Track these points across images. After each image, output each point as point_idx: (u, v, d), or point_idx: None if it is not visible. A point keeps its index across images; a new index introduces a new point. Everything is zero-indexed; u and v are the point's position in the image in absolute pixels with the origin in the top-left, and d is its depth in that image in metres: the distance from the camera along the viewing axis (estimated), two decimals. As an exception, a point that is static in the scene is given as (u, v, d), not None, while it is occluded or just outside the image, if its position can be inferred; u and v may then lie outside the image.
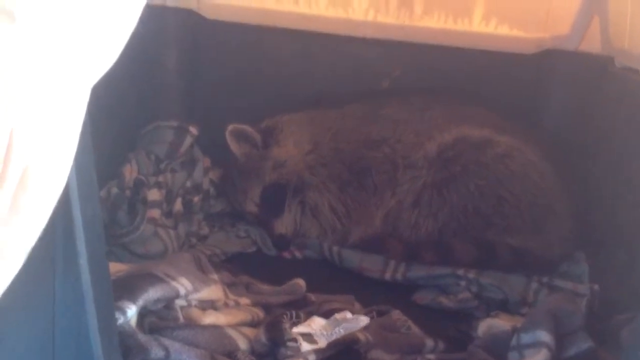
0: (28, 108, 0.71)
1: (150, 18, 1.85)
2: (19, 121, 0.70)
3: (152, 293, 1.16)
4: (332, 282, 1.67)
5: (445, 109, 1.90)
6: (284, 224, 1.87)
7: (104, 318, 0.93)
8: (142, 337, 1.09)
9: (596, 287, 1.64)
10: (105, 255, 0.98)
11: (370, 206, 1.87)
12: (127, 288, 1.16)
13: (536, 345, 1.22)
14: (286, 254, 1.86)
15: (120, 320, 1.09)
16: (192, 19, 2.04)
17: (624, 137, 1.69)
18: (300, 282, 1.50)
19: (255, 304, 1.38)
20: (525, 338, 1.25)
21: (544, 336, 1.22)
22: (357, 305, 1.50)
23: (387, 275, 1.73)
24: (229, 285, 1.41)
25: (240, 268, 1.61)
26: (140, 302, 1.13)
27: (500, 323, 1.37)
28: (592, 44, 1.95)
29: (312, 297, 1.49)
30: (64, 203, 0.86)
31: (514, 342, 1.26)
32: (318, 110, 1.97)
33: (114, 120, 1.76)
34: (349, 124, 1.93)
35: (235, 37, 2.05)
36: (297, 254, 1.87)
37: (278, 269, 1.73)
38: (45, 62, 0.70)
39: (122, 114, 1.82)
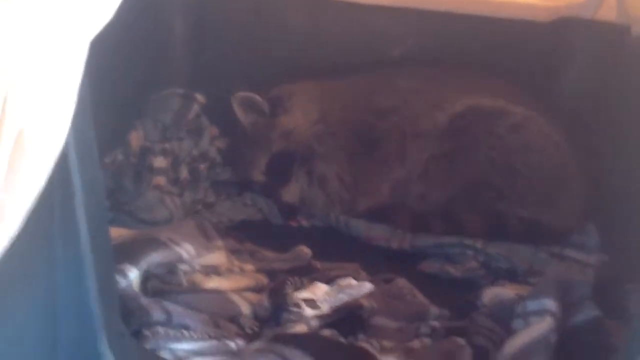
0: (22, 66, 0.70)
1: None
2: (13, 81, 0.69)
3: (155, 257, 1.17)
4: (339, 251, 1.67)
5: (457, 78, 1.87)
6: (290, 193, 1.86)
7: (104, 282, 0.93)
8: (144, 300, 1.10)
9: (606, 257, 1.63)
10: (105, 218, 0.98)
11: (378, 176, 1.86)
12: (129, 252, 1.16)
13: (541, 312, 1.22)
14: (293, 223, 1.85)
15: (122, 283, 1.10)
16: (197, -15, 2.02)
17: (636, 109, 1.66)
18: (305, 249, 1.50)
19: (259, 270, 1.39)
20: (531, 305, 1.24)
21: (549, 304, 1.22)
22: (363, 273, 1.50)
23: (394, 244, 1.72)
24: (234, 252, 1.41)
25: (245, 236, 1.61)
26: (143, 265, 1.14)
27: (505, 291, 1.37)
28: (608, 13, 1.90)
29: (317, 264, 1.49)
30: (62, 166, 0.85)
31: (519, 309, 1.26)
32: (327, 79, 1.95)
33: (121, 87, 1.75)
34: (358, 93, 1.91)
35: (243, 3, 2.02)
36: (304, 223, 1.86)
37: (284, 237, 1.73)
38: (38, 17, 0.69)
39: (129, 81, 1.81)
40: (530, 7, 1.96)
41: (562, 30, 1.94)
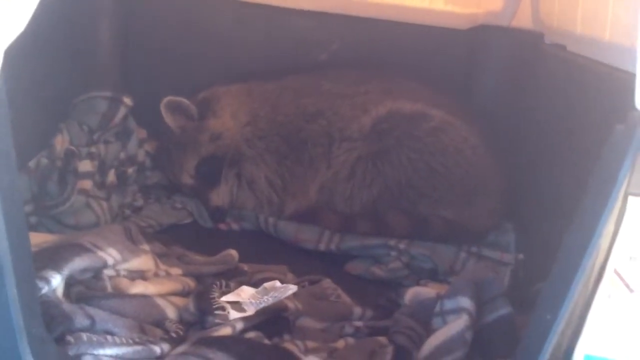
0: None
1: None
2: None
3: (78, 262, 1.16)
4: (268, 254, 1.69)
5: (380, 82, 1.92)
6: (220, 196, 1.88)
7: (24, 288, 0.92)
8: (67, 306, 1.09)
9: (521, 256, 1.71)
10: (25, 225, 0.97)
11: (306, 178, 1.89)
12: (52, 258, 1.15)
13: (458, 311, 1.26)
14: (222, 226, 1.87)
15: (44, 289, 1.09)
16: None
17: (550, 113, 1.74)
18: (233, 253, 1.51)
19: (186, 274, 1.39)
20: (448, 304, 1.29)
21: (465, 302, 1.26)
22: (290, 275, 1.52)
23: (322, 246, 1.76)
24: (161, 256, 1.41)
25: (175, 239, 1.61)
26: (65, 271, 1.13)
27: (425, 290, 1.41)
28: (523, 21, 1.99)
29: (245, 267, 1.50)
30: (-21, 172, 0.85)
31: (437, 308, 1.30)
32: (255, 82, 1.97)
33: (45, 89, 1.73)
34: (287, 97, 1.93)
35: (170, 6, 2.03)
36: (234, 226, 1.88)
37: (214, 240, 1.74)
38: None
39: (54, 83, 1.79)
40: (449, 15, 2.04)
41: (480, 36, 2.02)
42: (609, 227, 0.91)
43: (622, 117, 0.92)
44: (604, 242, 0.91)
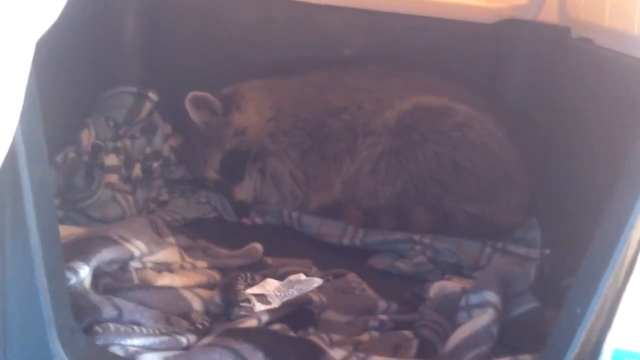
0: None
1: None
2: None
3: (105, 254, 1.17)
4: (291, 248, 1.69)
5: (405, 77, 1.91)
6: (243, 191, 1.88)
7: (54, 279, 0.94)
8: (95, 297, 1.10)
9: (547, 251, 1.69)
10: (55, 216, 0.98)
11: (330, 173, 1.89)
12: (80, 249, 1.16)
13: (483, 305, 1.26)
14: (246, 220, 1.87)
15: (72, 280, 1.10)
16: (150, -15, 2.02)
17: (577, 108, 1.72)
18: (257, 246, 1.52)
19: (211, 267, 1.40)
20: (474, 298, 1.28)
21: (491, 296, 1.26)
22: (314, 269, 1.52)
23: (346, 240, 1.75)
24: (186, 249, 1.42)
25: (199, 233, 1.62)
26: (93, 263, 1.14)
27: (451, 284, 1.41)
28: (550, 15, 1.97)
29: (269, 260, 1.51)
30: (11, 164, 0.86)
31: (462, 302, 1.30)
32: (280, 77, 1.97)
33: (73, 85, 1.75)
34: (311, 92, 1.94)
35: (195, 3, 2.03)
36: (257, 220, 1.88)
37: (238, 234, 1.75)
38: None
39: (81, 79, 1.81)
40: (475, 9, 2.02)
41: (506, 31, 2.00)
42: (640, 222, 0.90)
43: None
44: (634, 236, 0.90)
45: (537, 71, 1.96)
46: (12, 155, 0.84)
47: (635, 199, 0.84)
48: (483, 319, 1.23)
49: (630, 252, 0.91)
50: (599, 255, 0.88)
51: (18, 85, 0.76)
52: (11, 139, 0.77)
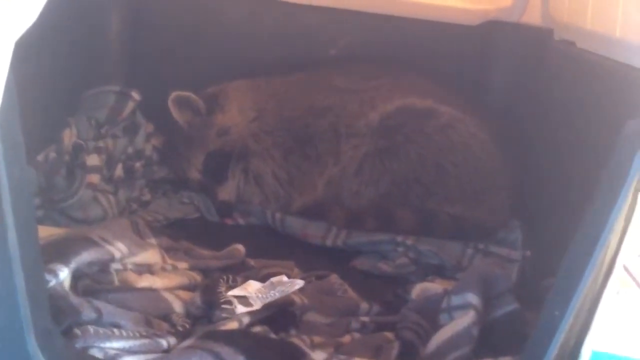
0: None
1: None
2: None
3: (86, 256, 1.16)
4: (274, 249, 1.69)
5: (389, 78, 1.92)
6: (226, 191, 1.88)
7: (32, 281, 0.92)
8: (74, 299, 1.09)
9: (528, 253, 1.70)
10: (33, 217, 0.97)
11: (314, 174, 1.89)
12: (59, 251, 1.15)
13: (465, 307, 1.26)
14: (229, 221, 1.87)
15: (52, 282, 1.09)
16: (133, -17, 2.01)
17: (559, 109, 1.74)
18: (240, 248, 1.51)
19: (193, 268, 1.39)
20: (455, 300, 1.28)
21: (472, 298, 1.26)
22: (297, 271, 1.52)
23: (329, 242, 1.75)
24: (168, 250, 1.41)
25: (182, 234, 1.62)
26: (73, 264, 1.13)
27: (433, 286, 1.41)
28: (534, 16, 1.98)
29: (252, 262, 1.51)
30: (-11, 163, 0.85)
31: (444, 304, 1.30)
32: (264, 77, 1.97)
33: (55, 84, 1.73)
34: (295, 92, 1.93)
35: (179, 1, 2.03)
36: (240, 221, 1.88)
37: (221, 235, 1.74)
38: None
39: (63, 77, 1.79)
40: (459, 11, 2.03)
41: (490, 32, 2.01)
42: (619, 223, 0.91)
43: (632, 112, 0.92)
44: (613, 238, 0.91)
45: (521, 72, 1.97)
46: (-11, 155, 0.84)
47: (613, 201, 0.85)
48: (464, 320, 1.24)
49: (609, 255, 0.91)
50: (577, 259, 0.89)
51: (-5, 86, 0.75)
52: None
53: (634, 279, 0.94)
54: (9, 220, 0.89)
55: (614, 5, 1.41)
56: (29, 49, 0.91)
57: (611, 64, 1.41)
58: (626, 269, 0.95)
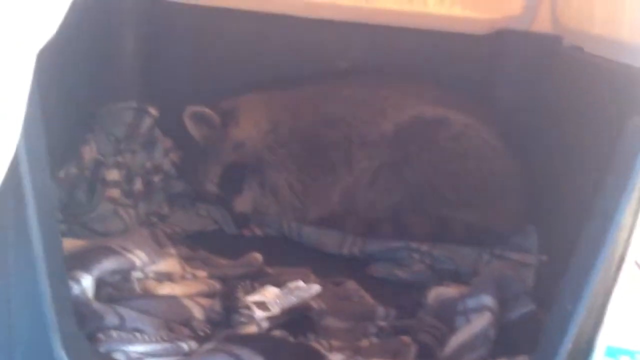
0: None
1: (106, -1, 1.87)
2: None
3: (107, 264, 1.19)
4: (291, 259, 1.70)
5: (400, 88, 1.94)
6: (243, 203, 1.90)
7: (57, 286, 0.96)
8: (97, 306, 1.12)
9: (544, 257, 1.70)
10: (56, 224, 1.01)
11: (328, 184, 1.91)
12: (82, 259, 1.18)
13: (480, 309, 1.27)
14: (246, 232, 1.89)
15: (75, 289, 1.12)
16: (148, 0, 2.05)
17: (570, 115, 1.75)
18: (257, 256, 1.54)
19: (212, 277, 1.42)
20: (471, 303, 1.30)
21: (488, 300, 1.28)
22: (313, 277, 1.54)
23: (345, 250, 1.77)
24: (187, 259, 1.44)
25: (200, 245, 1.65)
26: (95, 272, 1.16)
27: (448, 290, 1.43)
28: (542, 24, 2.00)
29: (269, 269, 1.53)
30: (14, 173, 0.88)
31: (460, 307, 1.32)
32: (276, 91, 2.00)
33: (73, 101, 1.77)
34: (307, 104, 1.96)
35: (192, 18, 2.07)
36: (257, 232, 1.90)
37: (238, 246, 1.76)
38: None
39: (81, 95, 1.83)
40: (468, 21, 2.05)
41: (499, 41, 2.03)
42: (627, 219, 0.92)
43: (638, 111, 0.93)
44: (622, 234, 0.92)
45: (531, 80, 1.98)
46: (14, 164, 0.87)
47: (620, 197, 0.86)
48: (480, 322, 1.25)
49: (619, 250, 0.93)
50: (587, 252, 0.90)
51: (20, 96, 0.78)
52: (14, 149, 0.80)
53: (645, 273, 0.95)
54: (34, 228, 0.93)
55: (621, 8, 1.43)
56: (48, 67, 0.94)
57: (618, 66, 1.43)
58: (637, 264, 0.96)
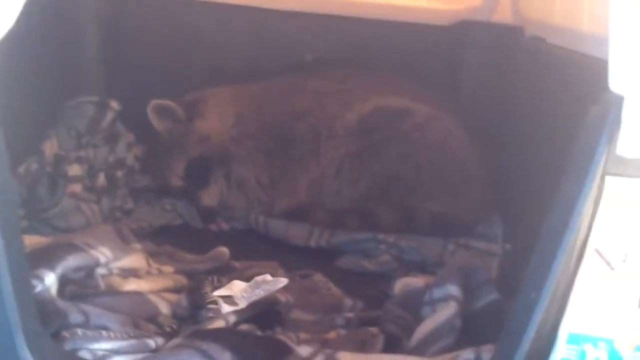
0: None
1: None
2: None
3: (71, 261, 1.18)
4: (258, 251, 1.71)
5: (364, 80, 1.95)
6: (209, 197, 1.89)
7: (19, 284, 0.94)
8: (61, 303, 1.11)
9: (508, 246, 1.73)
10: (18, 222, 0.99)
11: (296, 176, 1.91)
12: (45, 257, 1.17)
13: (446, 298, 1.29)
14: (212, 226, 1.88)
15: (39, 287, 1.11)
16: (110, -8, 2.03)
17: (531, 104, 1.77)
18: (224, 250, 1.53)
19: (178, 272, 1.41)
20: (437, 293, 1.31)
21: (454, 290, 1.29)
22: (281, 271, 1.53)
23: (312, 242, 1.78)
24: (152, 255, 1.43)
25: (166, 240, 1.63)
26: (59, 270, 1.15)
27: (414, 281, 1.44)
28: (503, 15, 2.03)
29: (236, 264, 1.52)
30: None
31: (426, 297, 1.33)
32: (242, 83, 1.99)
33: (34, 96, 1.74)
34: (273, 96, 1.96)
35: (155, 11, 2.05)
36: (224, 226, 1.89)
37: (205, 240, 1.75)
38: None
39: (42, 90, 1.80)
40: (430, 11, 2.07)
41: (461, 32, 2.05)
42: (588, 207, 0.94)
43: (597, 100, 0.95)
44: (584, 222, 0.94)
45: (493, 70, 2.01)
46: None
47: (581, 185, 0.88)
48: (446, 312, 1.27)
49: (580, 238, 0.94)
50: (550, 241, 0.92)
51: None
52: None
53: (605, 260, 0.97)
54: (-5, 226, 0.91)
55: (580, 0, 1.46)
56: (7, 61, 0.92)
57: (579, 56, 1.45)
58: (598, 252, 0.98)
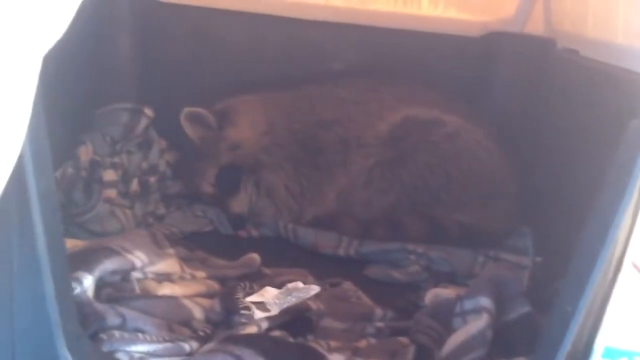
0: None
1: (103, 0, 1.87)
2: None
3: (108, 264, 1.20)
4: (288, 259, 1.71)
5: (394, 89, 1.95)
6: (239, 204, 1.91)
7: (61, 286, 0.96)
8: (99, 306, 1.13)
9: (539, 259, 1.72)
10: (60, 225, 1.01)
11: (324, 185, 1.92)
12: (83, 260, 1.19)
13: (478, 310, 1.29)
14: (242, 233, 1.90)
15: (77, 290, 1.13)
16: (144, 2, 2.05)
17: (564, 117, 1.77)
18: (255, 257, 1.55)
19: (210, 277, 1.42)
20: (468, 304, 1.31)
21: (485, 302, 1.29)
22: (311, 278, 1.54)
23: (341, 251, 1.78)
24: (185, 260, 1.44)
25: (196, 246, 1.65)
26: (96, 272, 1.17)
27: (445, 292, 1.44)
28: (536, 26, 2.02)
29: (267, 270, 1.54)
30: (18, 173, 0.89)
31: (457, 308, 1.33)
32: (272, 92, 2.01)
33: (69, 102, 1.77)
34: (303, 105, 1.97)
35: (187, 19, 2.07)
36: (254, 233, 1.90)
37: (234, 247, 1.77)
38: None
39: (77, 96, 1.83)
40: (462, 23, 2.07)
41: (493, 44, 2.05)
42: (626, 221, 0.93)
43: (635, 114, 0.95)
44: (621, 235, 0.94)
45: (524, 82, 2.00)
46: (19, 165, 0.87)
47: (620, 198, 0.88)
48: (478, 324, 1.26)
49: (617, 251, 0.94)
50: (587, 254, 0.92)
51: (26, 98, 0.79)
52: (19, 150, 0.80)
53: (642, 274, 0.97)
54: (38, 228, 0.93)
55: (615, 11, 1.45)
56: (46, 68, 0.94)
57: (614, 69, 1.44)
58: (635, 266, 0.98)
